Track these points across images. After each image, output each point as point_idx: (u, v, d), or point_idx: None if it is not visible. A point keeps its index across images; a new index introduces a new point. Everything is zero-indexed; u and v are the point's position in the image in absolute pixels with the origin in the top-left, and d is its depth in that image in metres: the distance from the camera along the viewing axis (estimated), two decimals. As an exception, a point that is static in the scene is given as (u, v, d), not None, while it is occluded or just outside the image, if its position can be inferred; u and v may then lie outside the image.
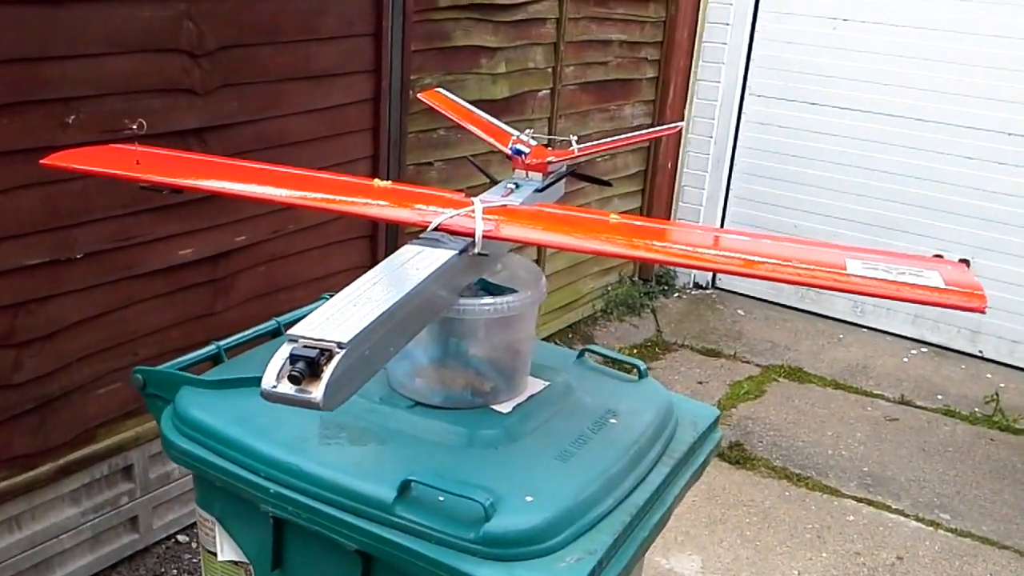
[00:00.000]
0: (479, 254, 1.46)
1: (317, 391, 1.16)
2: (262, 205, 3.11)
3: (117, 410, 2.85)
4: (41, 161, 1.85)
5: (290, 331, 1.21)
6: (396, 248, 3.84)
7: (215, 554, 1.63)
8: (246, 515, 1.55)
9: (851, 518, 3.57)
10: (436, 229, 1.49)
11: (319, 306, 2.00)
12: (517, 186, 1.79)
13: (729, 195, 5.58)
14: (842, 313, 5.35)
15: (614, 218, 1.62)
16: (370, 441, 1.51)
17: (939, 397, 4.59)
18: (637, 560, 1.48)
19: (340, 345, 1.18)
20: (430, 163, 3.81)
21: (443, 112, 2.37)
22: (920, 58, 4.87)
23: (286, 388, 1.17)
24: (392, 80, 3.46)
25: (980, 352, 4.98)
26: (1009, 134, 4.69)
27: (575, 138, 1.98)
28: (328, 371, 1.17)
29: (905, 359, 5.00)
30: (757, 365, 4.80)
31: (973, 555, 3.38)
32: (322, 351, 1.18)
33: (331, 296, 1.68)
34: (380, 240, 3.61)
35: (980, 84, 4.71)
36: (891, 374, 4.80)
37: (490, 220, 1.49)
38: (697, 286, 5.74)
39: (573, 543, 1.37)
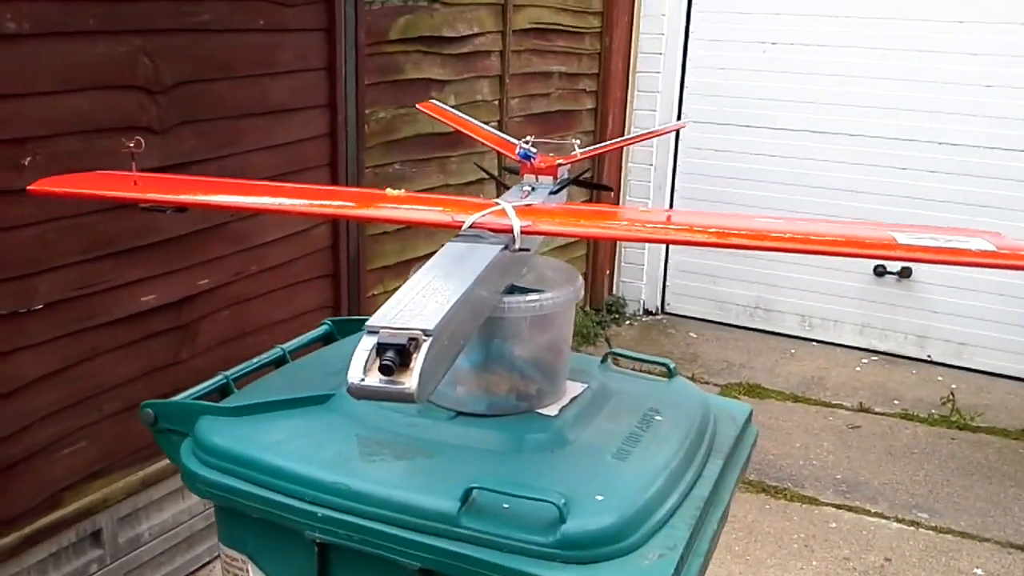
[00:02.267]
0: (521, 249, 1.41)
1: (410, 381, 1.09)
2: (223, 246, 3.01)
3: (83, 471, 2.67)
4: (28, 187, 1.73)
5: (369, 322, 1.14)
6: (360, 286, 3.75)
7: (248, 596, 1.52)
8: (284, 547, 1.44)
9: (834, 525, 3.57)
10: (471, 228, 1.44)
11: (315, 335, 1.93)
12: (533, 189, 1.76)
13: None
14: (791, 329, 5.43)
15: (625, 213, 1.60)
16: (417, 455, 1.43)
17: (896, 402, 4.67)
18: (711, 555, 1.42)
19: (427, 332, 1.11)
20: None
21: (444, 121, 2.34)
22: (849, 75, 5.03)
23: (374, 381, 1.10)
24: (348, 114, 3.40)
25: (929, 356, 5.11)
26: (939, 143, 4.87)
27: (577, 142, 1.97)
28: (420, 359, 1.10)
29: (858, 368, 5.09)
30: (716, 384, 4.82)
31: (957, 550, 3.42)
32: (409, 339, 1.11)
33: (225, 377, 1.63)
34: (343, 278, 3.52)
35: (909, 97, 4.89)
36: (846, 384, 4.88)
37: (524, 217, 1.44)
38: (647, 312, 5.76)
39: (651, 540, 1.31)
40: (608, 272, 5.71)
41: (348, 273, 3.54)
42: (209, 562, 3.11)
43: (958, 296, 4.97)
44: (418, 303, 1.20)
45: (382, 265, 3.75)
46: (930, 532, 3.53)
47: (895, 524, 3.58)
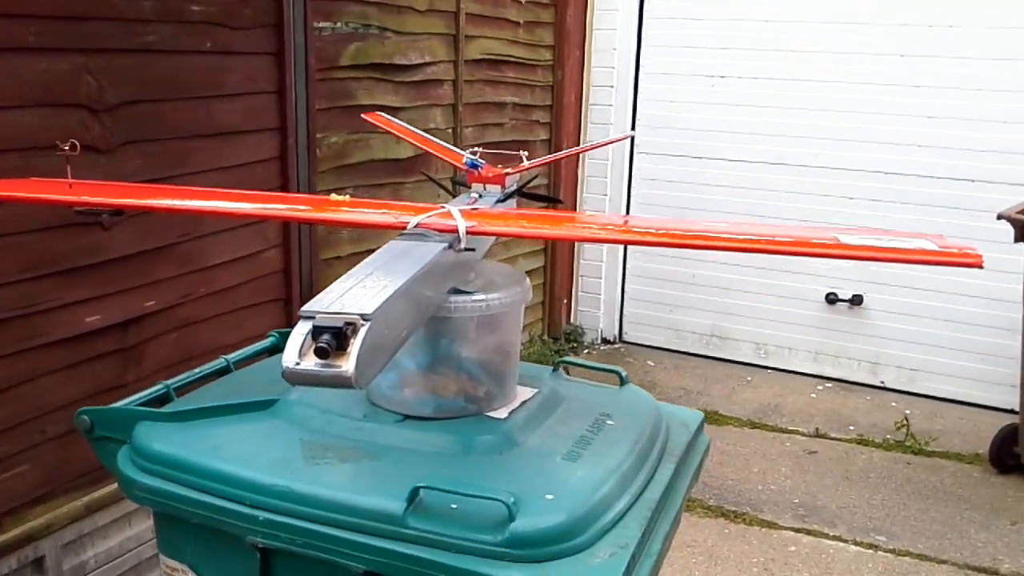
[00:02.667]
0: (466, 249, 1.39)
1: (347, 364, 1.06)
2: (171, 268, 2.95)
3: (25, 495, 2.58)
4: None
5: (304, 308, 1.11)
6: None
7: (186, 605, 1.45)
8: (224, 554, 1.38)
9: (792, 548, 3.55)
10: (416, 227, 1.41)
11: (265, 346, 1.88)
12: (480, 196, 1.74)
13: (627, 249, 5.67)
14: (747, 357, 5.45)
15: (580, 215, 1.60)
16: (362, 458, 1.38)
17: (851, 428, 4.69)
18: (663, 557, 1.39)
19: (364, 316, 1.08)
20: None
21: (390, 131, 2.32)
22: (795, 108, 5.13)
23: (310, 364, 1.06)
24: (299, 138, 3.38)
25: (882, 383, 5.15)
26: (885, 173, 4.96)
27: (525, 153, 1.97)
28: (357, 343, 1.06)
29: (813, 395, 5.11)
30: (673, 413, 4.80)
31: (915, 572, 3.41)
32: (346, 323, 1.07)
33: (166, 386, 1.58)
34: (295, 304, 3.46)
35: (854, 128, 4.98)
36: (802, 410, 4.90)
37: (469, 218, 1.43)
38: (606, 341, 5.76)
39: (601, 539, 1.28)
40: (566, 301, 5.71)
41: (301, 298, 3.48)
42: (154, 595, 3.00)
43: (909, 323, 5.03)
44: (356, 292, 1.17)
45: (335, 292, 3.69)
46: (888, 555, 3.53)
47: (853, 547, 3.57)
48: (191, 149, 2.96)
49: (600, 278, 5.68)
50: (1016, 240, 3.91)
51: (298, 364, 1.08)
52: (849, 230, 1.48)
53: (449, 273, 1.45)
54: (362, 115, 2.63)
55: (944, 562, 3.48)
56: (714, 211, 5.36)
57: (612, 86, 5.51)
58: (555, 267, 5.50)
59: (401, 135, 2.30)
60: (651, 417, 1.62)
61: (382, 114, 2.55)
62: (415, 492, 1.27)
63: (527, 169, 1.92)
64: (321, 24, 3.46)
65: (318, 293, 3.52)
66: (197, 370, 1.73)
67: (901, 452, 4.44)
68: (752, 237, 1.55)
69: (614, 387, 1.78)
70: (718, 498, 3.90)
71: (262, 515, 1.32)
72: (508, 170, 1.87)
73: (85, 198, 1.56)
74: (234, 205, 1.70)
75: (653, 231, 1.54)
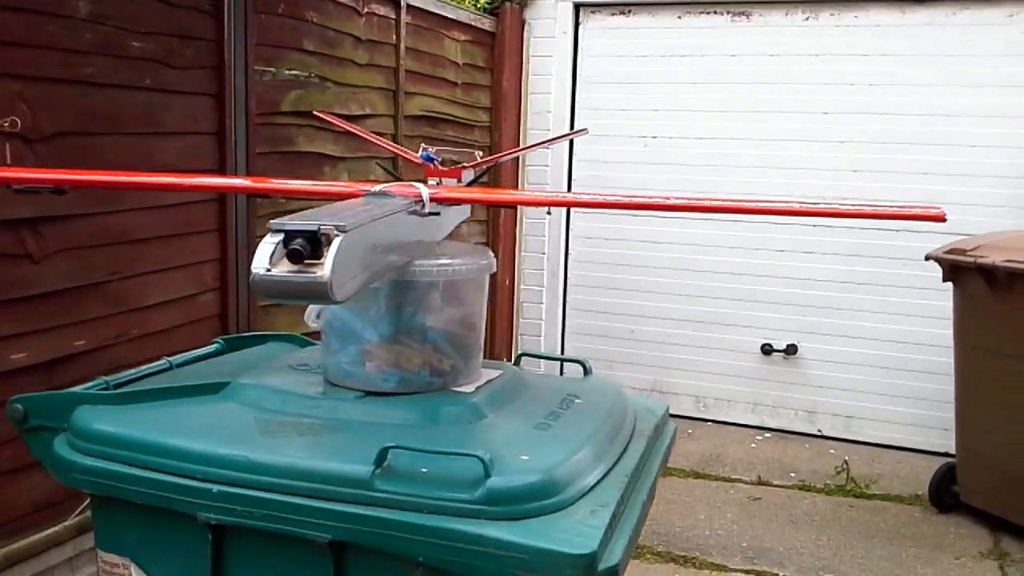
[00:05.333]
0: (430, 213, 1.37)
1: (323, 270, 1.01)
2: (103, 307, 2.85)
3: (-64, 545, 2.40)
4: None
5: (272, 222, 1.06)
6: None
7: (128, 601, 1.34)
8: (171, 541, 1.29)
9: (743, 590, 3.52)
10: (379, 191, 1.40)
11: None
12: (439, 182, 1.73)
13: (567, 306, 5.69)
14: (687, 410, 5.47)
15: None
16: (322, 432, 1.33)
17: (792, 475, 4.71)
18: (641, 525, 1.35)
19: (340, 228, 1.05)
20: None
21: (342, 126, 2.34)
22: (724, 166, 5.28)
23: (282, 271, 1.01)
24: (238, 181, 3.34)
25: (819, 431, 5.21)
26: (814, 226, 5.11)
27: (480, 153, 1.98)
28: (333, 248, 1.02)
29: (753, 445, 5.14)
30: (617, 467, 4.77)
31: (865, 607, 3.40)
32: (321, 231, 1.03)
33: (105, 381, 1.50)
34: (231, 349, 3.36)
35: (784, 184, 5.13)
36: (743, 460, 4.91)
37: (432, 188, 1.42)
38: (546, 400, 5.71)
39: (580, 500, 1.24)
40: (505, 358, 5.67)
41: (238, 345, 3.39)
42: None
43: (843, 371, 5.12)
44: (327, 215, 1.14)
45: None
46: (838, 591, 3.51)
47: (803, 586, 3.55)
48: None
49: (540, 336, 5.67)
50: (944, 280, 4.04)
51: (268, 271, 1.03)
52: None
53: (416, 229, 1.42)
54: (314, 111, 2.65)
55: (894, 598, 3.48)
56: (654, 267, 5.46)
57: (548, 148, 5.60)
58: (495, 323, 5.48)
59: (355, 131, 2.32)
60: (619, 399, 1.61)
61: (329, 115, 2.56)
62: (383, 454, 1.22)
63: (479, 164, 1.93)
64: (262, 68, 3.46)
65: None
66: (137, 369, 1.66)
67: (843, 496, 4.47)
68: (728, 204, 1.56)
69: (578, 377, 1.76)
70: (667, 544, 3.85)
71: (216, 488, 1.25)
72: (464, 164, 1.88)
73: (24, 175, 1.50)
74: (175, 180, 1.65)
75: (605, 199, 1.56)
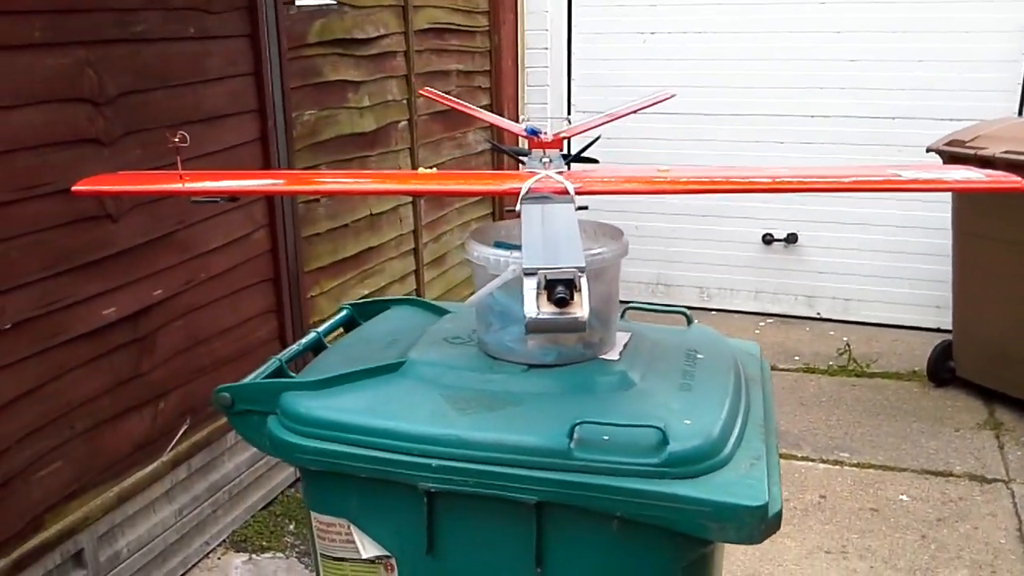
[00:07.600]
0: (580, 207, 1.53)
1: (580, 311, 1.21)
2: (172, 256, 2.98)
3: (60, 492, 2.61)
4: (72, 188, 1.72)
5: (525, 265, 1.25)
6: (300, 289, 3.73)
7: (345, 560, 1.57)
8: (386, 505, 1.53)
9: (768, 472, 3.84)
10: (529, 193, 1.55)
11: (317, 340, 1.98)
12: (551, 160, 1.88)
13: (572, 207, 5.84)
14: (691, 301, 5.73)
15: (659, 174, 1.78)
16: (505, 406, 1.54)
17: (796, 358, 5.03)
18: (778, 469, 1.59)
19: (580, 269, 1.23)
20: (317, 200, 3.77)
21: (447, 102, 2.44)
22: (722, 59, 5.38)
23: (549, 313, 1.21)
24: (276, 118, 3.42)
25: (819, 314, 5.52)
26: (812, 116, 5.28)
27: (570, 117, 2.11)
28: (584, 290, 1.22)
29: (756, 331, 5.44)
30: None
31: (881, 481, 3.75)
32: (576, 275, 1.23)
33: (279, 360, 1.69)
34: (283, 282, 3.52)
35: (780, 75, 5.27)
36: (751, 346, 5.20)
37: (570, 180, 1.58)
38: (557, 298, 5.94)
39: (736, 454, 1.47)
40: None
41: (288, 276, 3.55)
42: (184, 574, 3.07)
43: (840, 256, 5.39)
44: (551, 245, 1.32)
45: (317, 267, 3.77)
46: (854, 468, 3.85)
47: (822, 465, 3.89)
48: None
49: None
50: (944, 172, 4.25)
51: (539, 314, 1.22)
52: (904, 167, 1.68)
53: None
54: (420, 91, 2.72)
55: (904, 470, 3.83)
56: (649, 163, 5.56)
57: (547, 48, 5.65)
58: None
59: (459, 107, 2.42)
60: (728, 350, 1.82)
61: (432, 92, 2.65)
62: (572, 428, 1.44)
63: (576, 134, 2.07)
64: (288, 2, 3.48)
65: (301, 273, 3.61)
66: (296, 346, 1.86)
67: (846, 376, 4.80)
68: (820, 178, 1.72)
69: (682, 327, 1.97)
70: (693, 433, 4.16)
71: (435, 462, 1.48)
72: (564, 134, 2.01)
73: (198, 186, 1.63)
74: (374, 186, 1.79)
75: (708, 180, 1.72)
